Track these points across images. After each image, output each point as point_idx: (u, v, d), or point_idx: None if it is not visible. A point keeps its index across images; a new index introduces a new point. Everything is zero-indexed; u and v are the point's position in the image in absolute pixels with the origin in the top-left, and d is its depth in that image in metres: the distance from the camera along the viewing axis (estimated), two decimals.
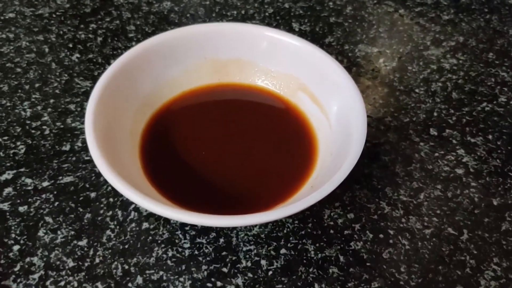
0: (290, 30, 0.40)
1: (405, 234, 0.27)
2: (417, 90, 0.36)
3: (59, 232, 0.26)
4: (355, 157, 0.24)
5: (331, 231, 0.27)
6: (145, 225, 0.26)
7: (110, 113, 0.27)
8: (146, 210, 0.27)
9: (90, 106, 0.25)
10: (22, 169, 0.29)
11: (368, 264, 0.25)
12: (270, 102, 0.32)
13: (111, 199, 0.28)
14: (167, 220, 0.27)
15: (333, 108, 0.29)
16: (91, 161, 0.29)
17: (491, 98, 0.36)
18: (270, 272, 0.25)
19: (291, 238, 0.26)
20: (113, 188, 0.28)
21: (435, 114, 0.34)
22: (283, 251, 0.26)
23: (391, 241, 0.26)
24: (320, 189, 0.22)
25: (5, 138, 0.31)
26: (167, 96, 0.31)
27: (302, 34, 0.40)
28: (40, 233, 0.26)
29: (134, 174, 0.26)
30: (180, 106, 0.31)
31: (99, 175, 0.28)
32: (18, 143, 0.30)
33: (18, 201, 0.27)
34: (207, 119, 0.31)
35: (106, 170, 0.23)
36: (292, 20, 0.42)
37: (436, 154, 0.31)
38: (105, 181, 0.28)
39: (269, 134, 0.30)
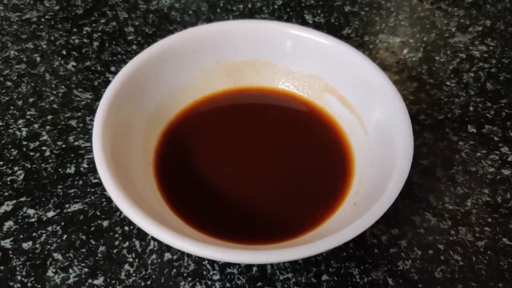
0: (304, 23, 0.37)
1: (457, 248, 0.24)
2: (448, 83, 0.33)
3: (70, 271, 0.23)
4: (406, 167, 0.21)
5: (376, 251, 0.24)
6: (167, 255, 0.24)
7: (119, 129, 0.24)
8: None
9: (97, 123, 0.22)
10: (23, 198, 0.26)
11: (420, 285, 0.23)
12: (294, 106, 0.29)
13: (126, 228, 0.25)
14: None
15: (367, 111, 0.26)
16: (100, 184, 0.26)
17: None
18: None
19: (332, 262, 0.23)
20: None
21: (471, 108, 0.31)
22: (324, 277, 0.23)
23: (442, 257, 0.24)
24: (374, 207, 0.19)
25: (0, 163, 0.27)
26: (179, 106, 0.28)
27: (317, 27, 0.37)
28: (49, 273, 0.23)
29: (150, 197, 0.23)
30: (194, 116, 0.28)
31: (110, 199, 0.25)
32: (16, 168, 0.27)
33: (21, 236, 0.24)
34: (224, 129, 0.28)
35: (120, 198, 0.20)
36: (304, 11, 0.38)
37: (478, 154, 0.29)
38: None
39: (296, 142, 0.27)
